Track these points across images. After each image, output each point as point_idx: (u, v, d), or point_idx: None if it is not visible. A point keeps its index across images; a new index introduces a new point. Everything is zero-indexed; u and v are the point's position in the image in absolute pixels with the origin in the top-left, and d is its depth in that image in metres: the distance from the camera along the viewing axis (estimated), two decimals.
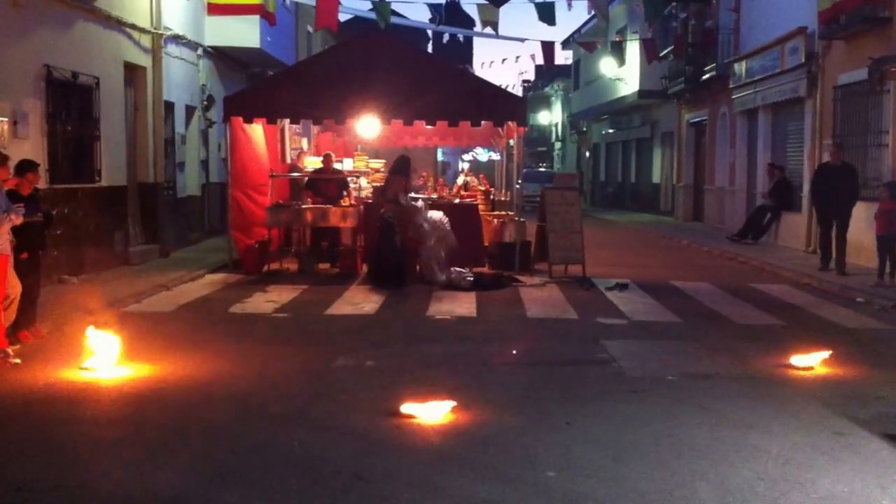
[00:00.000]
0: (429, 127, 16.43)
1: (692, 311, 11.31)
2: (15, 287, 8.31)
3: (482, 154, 54.20)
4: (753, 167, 22.25)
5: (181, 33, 17.37)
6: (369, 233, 14.33)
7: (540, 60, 26.63)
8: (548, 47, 23.44)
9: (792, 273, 15.01)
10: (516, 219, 15.16)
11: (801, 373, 7.96)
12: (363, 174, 17.41)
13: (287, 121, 16.59)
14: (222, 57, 20.29)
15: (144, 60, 15.78)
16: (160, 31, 16.04)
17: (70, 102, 13.11)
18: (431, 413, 6.33)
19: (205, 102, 19.22)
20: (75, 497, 4.91)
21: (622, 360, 8.45)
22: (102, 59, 14.06)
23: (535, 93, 58.64)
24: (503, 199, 18.32)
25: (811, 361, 8.08)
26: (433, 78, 14.73)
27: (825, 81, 17.59)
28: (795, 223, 18.88)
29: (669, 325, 10.40)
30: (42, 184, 10.28)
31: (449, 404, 6.43)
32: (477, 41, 77.14)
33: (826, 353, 8.13)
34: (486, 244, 15.29)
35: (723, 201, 24.46)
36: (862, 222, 15.26)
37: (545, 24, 17.84)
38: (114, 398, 6.93)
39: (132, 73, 15.49)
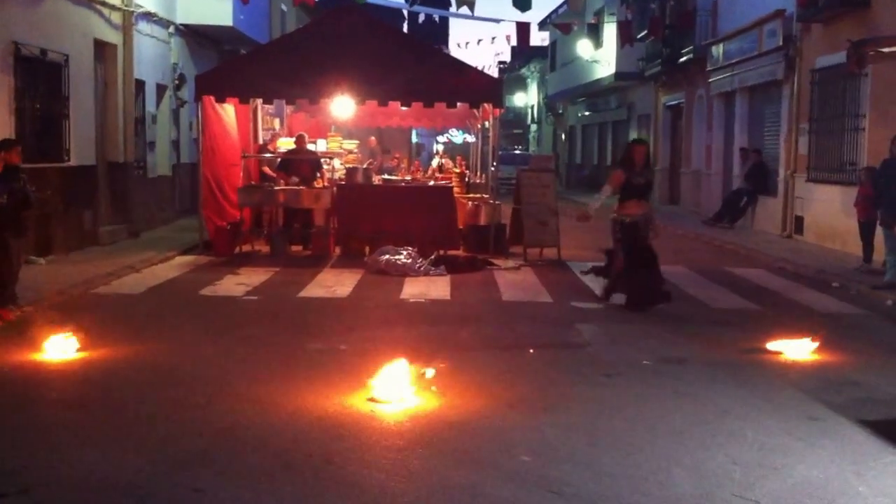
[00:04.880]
0: (403, 108, 16.28)
1: None
2: None
3: (457, 136, 54.03)
4: (730, 150, 22.25)
5: (152, 10, 17.08)
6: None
7: (515, 42, 26.46)
8: (523, 28, 23.32)
9: (768, 257, 15.02)
10: (491, 201, 15.07)
11: (777, 358, 7.94)
12: (337, 155, 17.23)
13: (260, 101, 16.36)
14: (194, 35, 19.99)
15: (115, 38, 15.49)
16: (131, 9, 15.76)
17: (38, 80, 12.84)
18: (405, 397, 6.24)
19: (176, 81, 18.93)
20: (41, 479, 4.79)
21: (597, 344, 8.41)
22: (72, 36, 13.78)
23: (511, 74, 58.42)
24: (478, 181, 18.21)
25: (786, 346, 8.05)
26: (409, 58, 14.56)
27: (803, 65, 17.58)
28: (772, 207, 18.91)
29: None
30: None
31: (423, 388, 6.34)
32: (452, 22, 76.84)
33: (802, 338, 8.09)
34: (461, 227, 15.19)
35: (699, 184, 24.46)
36: (837, 206, 15.31)
37: (521, 8, 17.68)
38: (81, 381, 6.79)
39: (102, 50, 15.20)
